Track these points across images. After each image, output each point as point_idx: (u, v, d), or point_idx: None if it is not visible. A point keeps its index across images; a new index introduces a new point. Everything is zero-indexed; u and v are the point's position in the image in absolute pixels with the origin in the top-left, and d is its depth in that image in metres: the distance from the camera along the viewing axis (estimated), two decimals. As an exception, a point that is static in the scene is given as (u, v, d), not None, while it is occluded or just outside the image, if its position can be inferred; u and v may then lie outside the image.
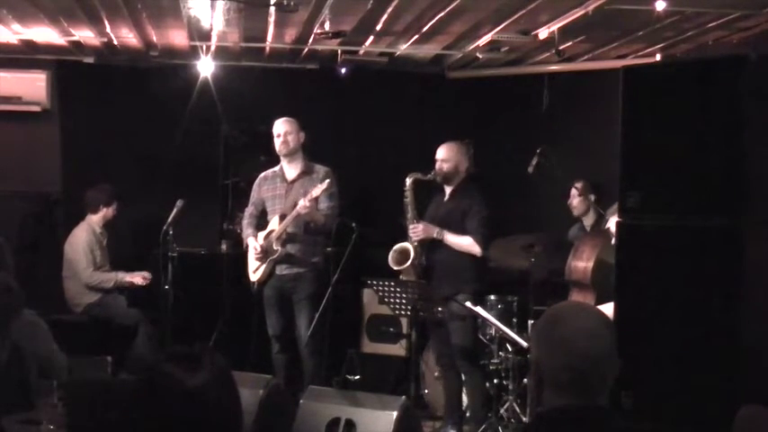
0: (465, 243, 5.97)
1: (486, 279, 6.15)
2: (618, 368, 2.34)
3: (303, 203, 6.05)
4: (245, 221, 6.57)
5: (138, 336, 7.11)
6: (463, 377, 6.11)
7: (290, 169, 6.41)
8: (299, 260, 6.27)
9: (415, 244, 6.10)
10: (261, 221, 6.51)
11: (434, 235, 6.02)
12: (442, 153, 6.11)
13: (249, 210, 6.57)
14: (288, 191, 6.36)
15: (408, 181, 6.16)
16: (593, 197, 6.90)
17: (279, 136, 6.37)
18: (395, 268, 6.14)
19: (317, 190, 6.08)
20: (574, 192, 6.89)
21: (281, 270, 6.30)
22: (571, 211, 7.00)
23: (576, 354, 2.28)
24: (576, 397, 2.29)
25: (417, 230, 6.06)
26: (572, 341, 2.29)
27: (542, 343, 2.37)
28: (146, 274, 7.30)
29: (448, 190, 6.17)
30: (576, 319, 2.35)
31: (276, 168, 6.49)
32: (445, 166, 6.09)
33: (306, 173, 6.38)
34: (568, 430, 2.29)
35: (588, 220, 6.90)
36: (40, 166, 8.03)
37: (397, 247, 6.19)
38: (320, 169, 6.37)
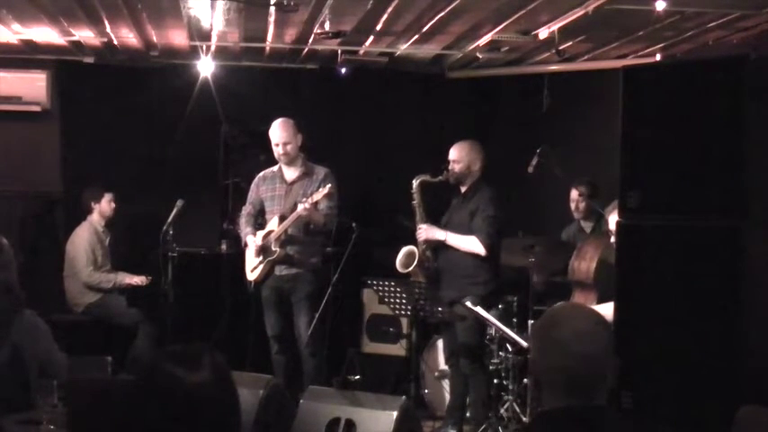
0: (467, 243, 5.92)
1: (497, 281, 6.04)
2: (616, 369, 2.34)
3: (303, 206, 6.02)
4: (242, 220, 6.54)
5: (138, 336, 7.12)
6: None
7: (290, 171, 6.39)
8: (298, 261, 6.26)
9: (423, 246, 6.09)
10: (259, 221, 6.49)
11: (439, 237, 5.99)
12: (454, 153, 6.06)
13: (247, 209, 6.53)
14: (287, 192, 6.34)
15: (415, 183, 6.14)
16: (593, 203, 6.82)
17: (277, 145, 6.30)
18: (402, 271, 6.12)
19: (318, 194, 6.05)
20: (577, 196, 6.80)
21: (280, 270, 6.29)
22: (572, 212, 6.94)
23: (571, 355, 2.29)
24: (574, 398, 2.30)
25: (420, 233, 6.05)
26: (567, 343, 2.30)
27: (539, 344, 2.38)
28: (143, 278, 7.30)
29: (463, 190, 6.12)
30: (572, 321, 2.35)
31: (275, 168, 6.46)
32: (457, 167, 6.04)
33: (306, 174, 6.34)
34: (568, 430, 2.29)
35: (589, 223, 6.86)
36: (40, 166, 8.02)
37: (405, 249, 6.17)
38: (320, 171, 6.34)
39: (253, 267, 6.37)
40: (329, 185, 6.10)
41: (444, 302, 5.82)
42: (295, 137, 6.31)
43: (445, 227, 6.07)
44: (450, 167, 6.05)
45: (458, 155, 6.05)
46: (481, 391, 6.06)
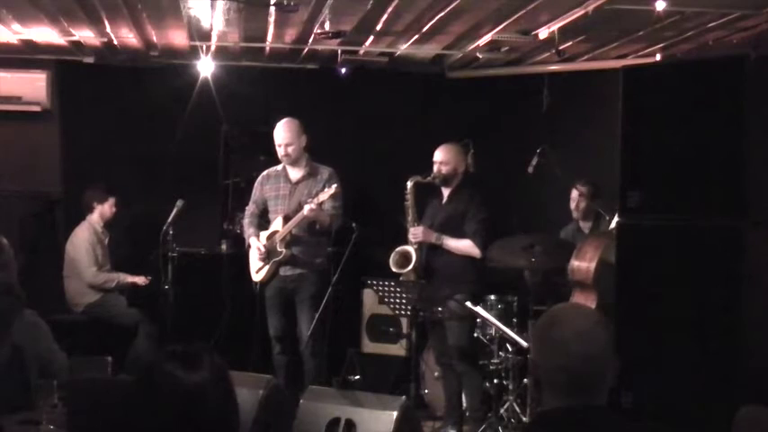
0: (464, 246, 6.00)
1: (484, 280, 6.16)
2: (616, 369, 2.34)
3: (310, 207, 6.01)
4: (246, 220, 6.53)
5: (138, 336, 7.12)
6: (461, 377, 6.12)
7: (294, 171, 6.37)
8: (303, 261, 6.26)
9: (415, 246, 6.11)
10: (261, 220, 6.49)
11: (433, 240, 6.04)
12: (441, 155, 6.11)
13: (250, 208, 6.52)
14: (292, 192, 6.32)
15: (409, 184, 6.16)
16: (594, 203, 6.79)
17: (280, 146, 6.29)
18: (395, 271, 6.14)
19: (324, 195, 6.04)
20: (579, 195, 6.79)
21: (285, 271, 6.28)
22: (572, 211, 6.92)
23: (571, 356, 2.29)
24: (573, 398, 2.30)
25: (417, 234, 6.07)
26: (567, 343, 2.30)
27: (539, 344, 2.38)
28: (143, 278, 7.31)
29: (446, 192, 6.17)
30: (572, 321, 2.35)
31: (279, 168, 6.43)
32: (444, 169, 6.09)
33: (310, 174, 6.33)
34: (568, 431, 2.29)
35: (587, 223, 6.85)
36: (40, 166, 8.02)
37: (398, 249, 6.19)
38: (324, 171, 6.33)
39: (258, 269, 6.36)
40: (335, 186, 6.10)
41: (443, 302, 5.84)
42: (298, 138, 6.30)
43: (431, 228, 6.10)
44: (436, 169, 6.09)
45: (445, 156, 6.09)
46: (476, 389, 6.09)
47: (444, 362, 6.19)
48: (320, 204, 6.04)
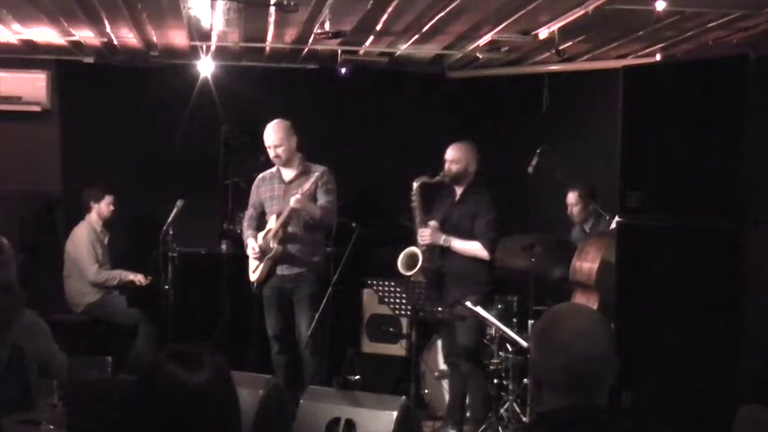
0: (472, 248, 5.98)
1: (493, 281, 6.14)
2: (617, 369, 2.34)
3: (296, 198, 6.01)
4: (244, 224, 6.54)
5: (138, 336, 7.12)
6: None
7: (287, 171, 6.38)
8: (300, 260, 6.26)
9: (424, 248, 6.09)
10: (261, 223, 6.49)
11: (441, 242, 6.02)
12: (452, 154, 6.09)
13: (249, 212, 6.54)
14: (285, 191, 6.33)
15: (415, 185, 6.14)
16: (592, 204, 6.79)
17: (270, 148, 6.30)
18: (404, 273, 6.12)
19: (308, 183, 6.05)
20: (574, 199, 6.80)
21: (282, 270, 6.29)
22: (571, 218, 6.92)
23: (572, 356, 2.28)
24: (574, 398, 2.29)
25: (425, 236, 6.06)
26: (568, 343, 2.29)
27: (539, 345, 2.38)
28: (142, 277, 7.32)
29: (458, 191, 6.14)
30: (573, 320, 2.35)
31: (273, 169, 6.45)
32: (454, 168, 6.07)
33: (303, 173, 6.34)
34: (569, 430, 2.29)
35: (589, 225, 6.86)
36: (40, 166, 8.02)
37: (406, 251, 6.18)
38: (317, 169, 6.33)
39: (254, 268, 6.37)
40: (316, 174, 6.10)
41: (445, 302, 5.83)
42: (288, 140, 6.29)
43: (442, 228, 6.09)
44: (446, 168, 6.08)
45: (455, 155, 6.08)
46: (480, 390, 6.08)
47: (451, 361, 6.19)
48: (306, 193, 6.03)
